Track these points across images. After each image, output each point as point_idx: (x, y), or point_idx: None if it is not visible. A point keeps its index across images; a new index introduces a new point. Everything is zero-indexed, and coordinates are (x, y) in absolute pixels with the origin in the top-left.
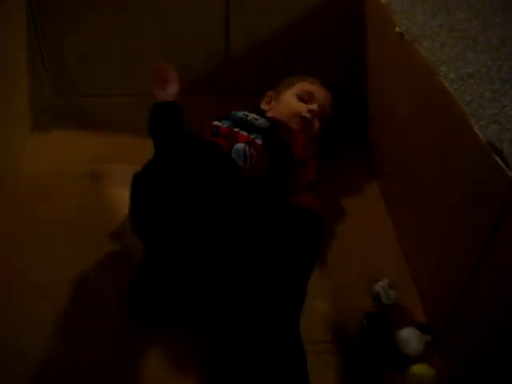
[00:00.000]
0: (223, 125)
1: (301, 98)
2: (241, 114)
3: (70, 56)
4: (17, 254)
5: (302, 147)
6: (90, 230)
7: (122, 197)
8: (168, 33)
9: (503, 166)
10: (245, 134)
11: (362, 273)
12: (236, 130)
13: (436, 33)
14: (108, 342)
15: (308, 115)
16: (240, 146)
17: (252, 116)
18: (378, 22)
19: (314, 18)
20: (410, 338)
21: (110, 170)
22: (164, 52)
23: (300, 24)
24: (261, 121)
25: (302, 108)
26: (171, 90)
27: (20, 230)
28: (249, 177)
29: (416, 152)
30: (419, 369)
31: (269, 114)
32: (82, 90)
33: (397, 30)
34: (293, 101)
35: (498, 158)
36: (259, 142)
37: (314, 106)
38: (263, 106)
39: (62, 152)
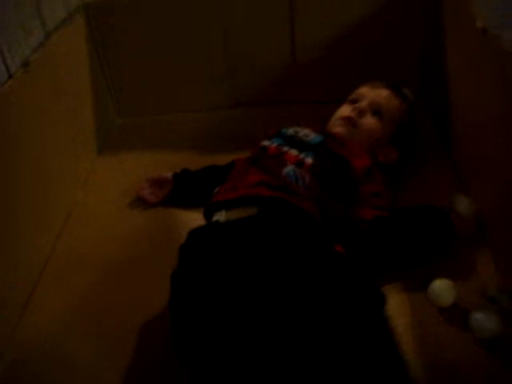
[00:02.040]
0: (272, 144)
1: (351, 101)
2: (291, 130)
3: (133, 75)
4: (87, 280)
5: (361, 162)
6: (157, 254)
7: (186, 217)
8: (232, 46)
9: None
10: (294, 153)
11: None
12: (285, 148)
13: None
14: None
15: (350, 113)
16: (288, 169)
17: (303, 132)
18: (455, 17)
19: (384, 17)
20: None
21: None
22: (228, 65)
23: (369, 26)
24: (312, 136)
25: (347, 109)
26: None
27: (89, 252)
28: (305, 198)
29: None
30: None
31: (328, 130)
32: (146, 109)
33: (478, 24)
34: (343, 107)
35: None
36: (309, 160)
37: (359, 104)
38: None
39: (128, 172)
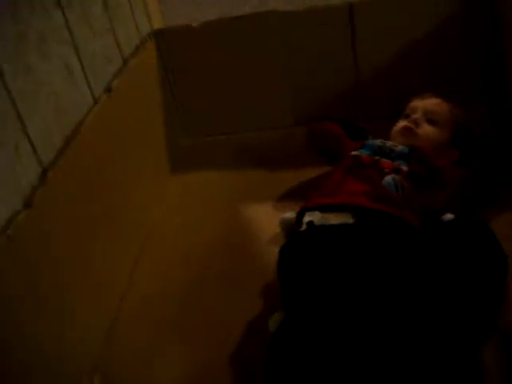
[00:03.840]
0: (362, 154)
1: (405, 115)
2: (378, 141)
3: (200, 98)
4: (170, 302)
5: (441, 161)
6: (238, 270)
7: (265, 232)
8: (295, 66)
9: None
10: (388, 161)
11: None
12: (377, 157)
13: None
14: None
15: (405, 124)
16: (389, 179)
17: (390, 143)
18: None
19: (445, 33)
20: None
21: (248, 208)
22: (292, 84)
23: (430, 42)
24: (401, 147)
25: (402, 122)
26: None
27: (169, 271)
28: (404, 207)
29: None
30: None
31: None
32: (211, 129)
33: None
34: (399, 121)
35: None
36: (405, 168)
37: (413, 115)
38: None
39: (199, 191)
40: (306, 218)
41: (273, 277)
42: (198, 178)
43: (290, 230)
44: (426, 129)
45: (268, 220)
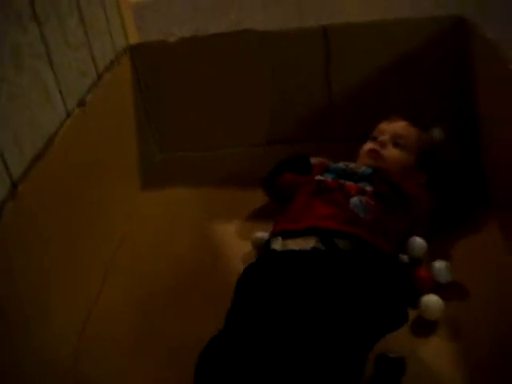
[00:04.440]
0: (327, 178)
1: (372, 138)
2: (341, 165)
3: (174, 113)
4: (139, 309)
5: (408, 184)
6: (206, 285)
7: (235, 256)
8: (269, 84)
9: None
10: (352, 183)
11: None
12: (342, 181)
13: None
14: None
15: (373, 146)
16: (355, 200)
17: (353, 165)
18: (485, 61)
19: (417, 60)
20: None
21: (219, 226)
22: (264, 102)
23: (402, 68)
24: (363, 168)
25: (369, 144)
26: None
27: (139, 285)
28: (372, 227)
29: None
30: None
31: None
32: (185, 145)
33: (510, 67)
34: (366, 143)
35: None
36: (369, 188)
37: (380, 137)
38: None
39: (171, 207)
40: (271, 246)
41: None
42: (170, 194)
43: (262, 249)
44: (392, 151)
45: (238, 239)
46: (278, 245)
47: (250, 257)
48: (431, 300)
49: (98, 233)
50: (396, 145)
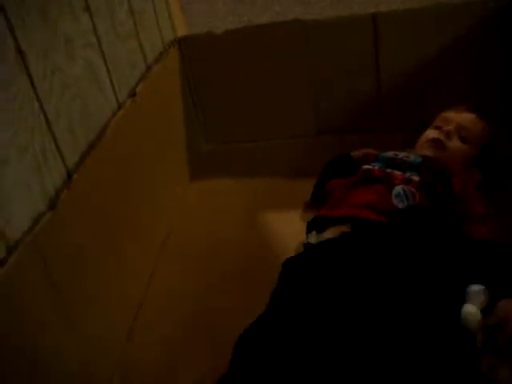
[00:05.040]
0: (374, 167)
1: (437, 127)
2: (390, 153)
3: (220, 105)
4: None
5: (460, 176)
6: (254, 278)
7: (285, 246)
8: (316, 76)
9: None
10: (399, 173)
11: None
12: (389, 170)
13: None
14: None
15: (438, 135)
16: (398, 189)
17: (403, 154)
18: None
19: (464, 46)
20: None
21: (267, 216)
22: (312, 94)
23: (450, 56)
24: (413, 157)
25: (434, 133)
26: None
27: (188, 277)
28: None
29: None
30: None
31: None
32: (231, 136)
33: None
34: (428, 131)
35: None
36: (416, 178)
37: (446, 127)
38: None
39: (219, 200)
40: (307, 240)
41: None
42: (218, 185)
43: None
44: (456, 144)
45: (287, 228)
46: (312, 239)
47: (300, 247)
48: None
49: (147, 223)
50: (461, 138)
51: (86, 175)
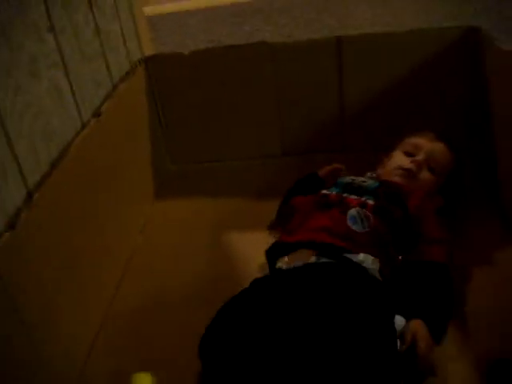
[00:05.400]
0: (332, 192)
1: (407, 153)
2: (348, 178)
3: (187, 124)
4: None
5: (418, 201)
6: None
7: (248, 266)
8: (283, 98)
9: None
10: (355, 197)
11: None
12: (345, 195)
13: None
14: None
15: (410, 165)
16: (353, 212)
17: (360, 179)
18: (500, 70)
19: (429, 69)
20: None
21: (232, 237)
22: (278, 115)
23: (414, 78)
24: (369, 182)
25: (405, 161)
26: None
27: (151, 297)
28: (366, 246)
29: None
30: None
31: (381, 177)
32: (198, 156)
33: None
34: (398, 157)
35: None
36: (371, 202)
37: (418, 157)
38: (379, 171)
39: (183, 220)
40: (278, 265)
41: None
42: (183, 205)
43: None
44: (425, 175)
45: (251, 249)
46: (283, 264)
47: (264, 267)
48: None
49: (111, 242)
50: (430, 168)
51: (47, 195)
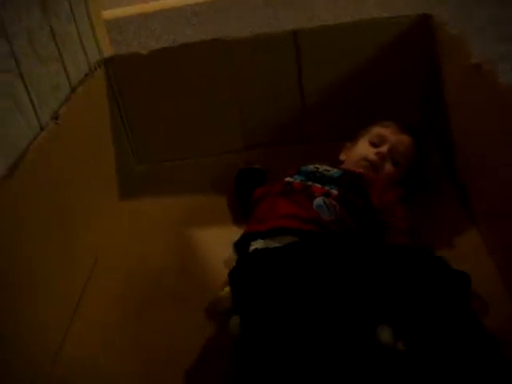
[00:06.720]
0: (295, 180)
1: (372, 143)
2: (311, 167)
3: (150, 124)
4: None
5: (378, 192)
6: (186, 296)
7: (215, 261)
8: (242, 92)
9: None
10: (319, 186)
11: None
12: (309, 183)
13: None
14: None
15: (374, 158)
16: (319, 200)
17: (323, 168)
18: (451, 56)
19: (386, 59)
20: None
21: (198, 233)
22: (240, 110)
23: (371, 68)
24: (333, 171)
25: (370, 152)
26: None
27: (119, 295)
28: (338, 229)
29: None
30: None
31: (344, 165)
32: (162, 155)
33: (473, 61)
34: (363, 146)
35: None
36: (335, 192)
37: (383, 148)
38: (341, 157)
39: (150, 219)
40: (252, 247)
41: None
42: (148, 204)
43: None
44: (388, 168)
45: (218, 245)
46: (259, 244)
47: (230, 262)
48: None
49: (76, 245)
50: (394, 161)
51: (4, 201)
